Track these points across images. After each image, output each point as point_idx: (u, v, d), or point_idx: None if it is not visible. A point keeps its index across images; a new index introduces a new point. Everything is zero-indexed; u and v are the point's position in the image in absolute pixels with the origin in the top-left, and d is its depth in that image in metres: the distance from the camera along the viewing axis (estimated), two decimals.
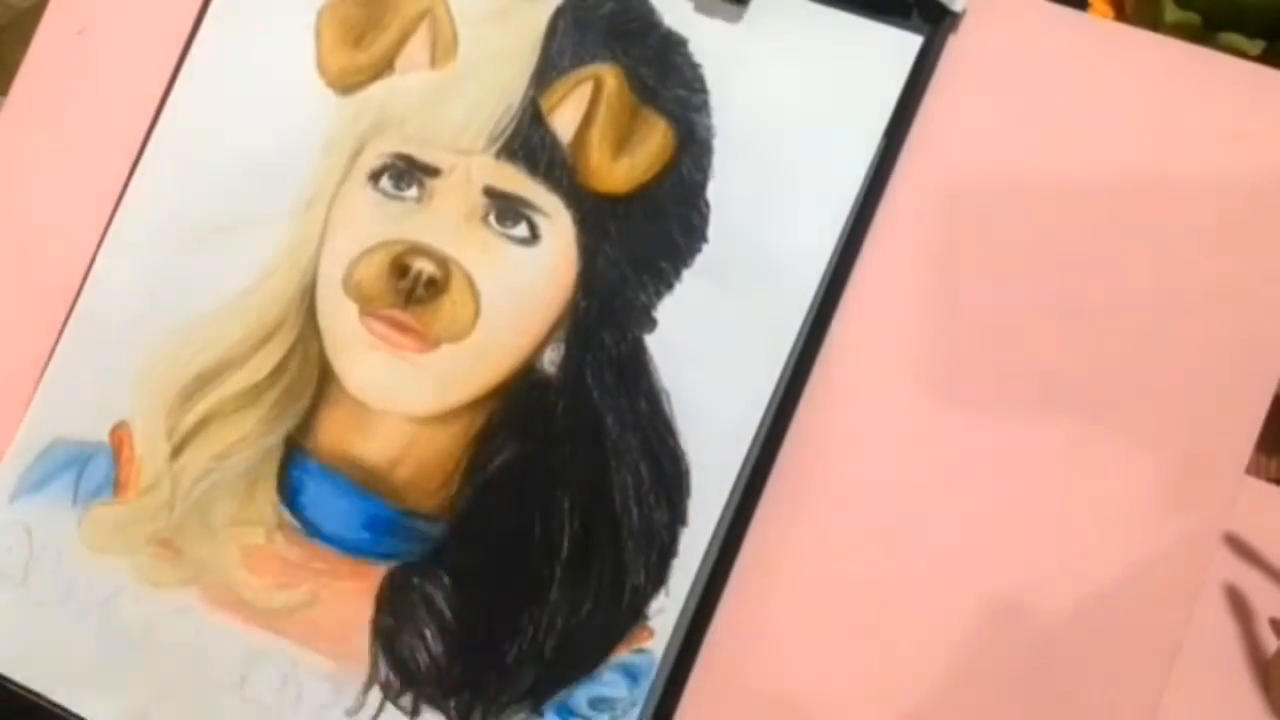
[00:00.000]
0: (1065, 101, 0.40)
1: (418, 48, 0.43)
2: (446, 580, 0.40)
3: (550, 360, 0.41)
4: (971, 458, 0.39)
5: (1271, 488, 0.50)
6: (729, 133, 0.41)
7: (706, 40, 0.41)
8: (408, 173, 0.42)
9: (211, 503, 0.42)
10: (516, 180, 0.41)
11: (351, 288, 0.42)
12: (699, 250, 0.40)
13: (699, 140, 0.41)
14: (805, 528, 0.39)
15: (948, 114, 0.40)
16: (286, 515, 0.41)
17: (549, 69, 0.42)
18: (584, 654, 0.39)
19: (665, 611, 0.39)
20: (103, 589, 0.42)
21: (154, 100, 0.45)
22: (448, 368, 0.41)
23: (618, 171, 0.41)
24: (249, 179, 0.44)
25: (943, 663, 0.38)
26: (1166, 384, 0.38)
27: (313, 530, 0.41)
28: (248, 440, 0.42)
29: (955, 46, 0.40)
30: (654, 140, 0.41)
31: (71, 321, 0.44)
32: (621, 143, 0.41)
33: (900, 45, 0.40)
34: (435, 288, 0.41)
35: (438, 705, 0.40)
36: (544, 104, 0.42)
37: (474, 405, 0.41)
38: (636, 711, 0.38)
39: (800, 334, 0.39)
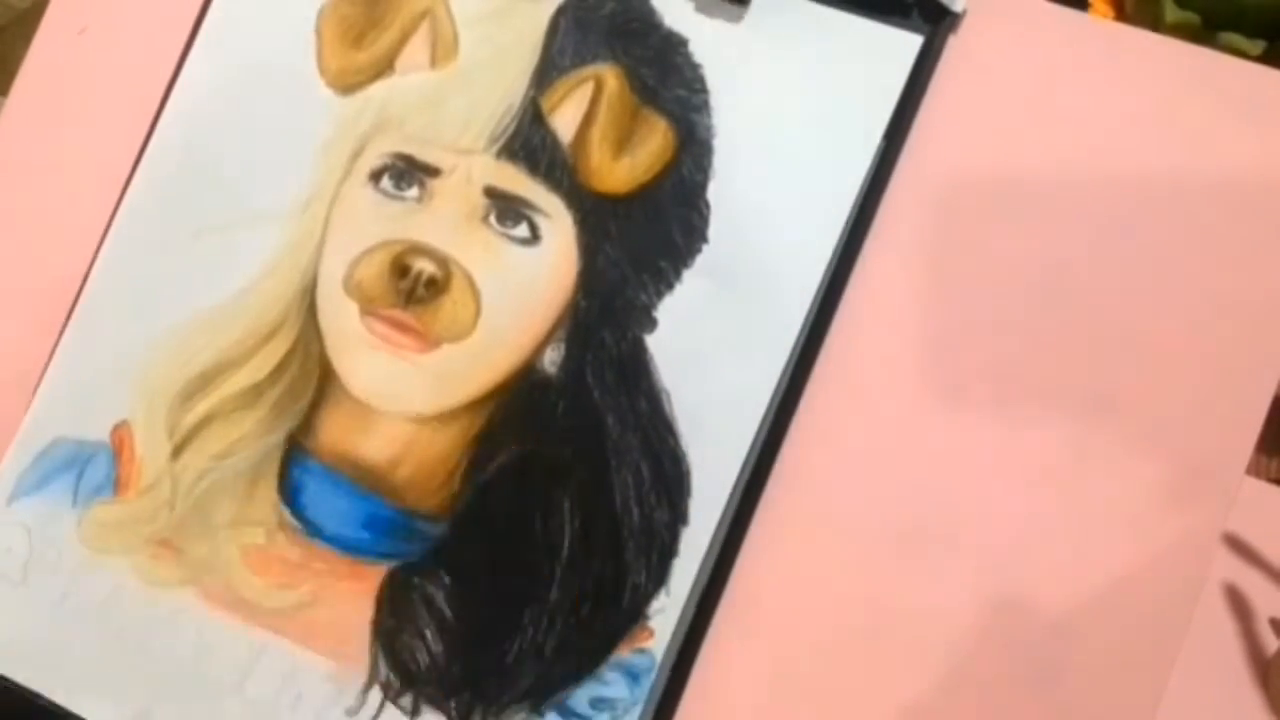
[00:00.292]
0: (1065, 101, 0.40)
1: (418, 47, 0.43)
2: (447, 580, 0.40)
3: (551, 360, 0.41)
4: (972, 457, 0.39)
5: (1272, 488, 0.50)
6: (730, 133, 0.41)
7: (707, 40, 0.41)
8: (408, 172, 0.42)
9: (212, 502, 0.42)
10: (517, 180, 0.41)
11: (352, 287, 0.42)
12: (699, 250, 0.40)
13: (699, 140, 0.41)
14: (806, 527, 0.39)
15: (948, 114, 0.40)
16: (287, 515, 0.41)
17: (550, 69, 0.42)
18: (584, 654, 0.39)
19: (666, 611, 0.39)
20: (103, 588, 0.42)
21: (155, 100, 0.45)
22: (448, 368, 0.41)
23: (618, 171, 0.41)
24: (249, 178, 0.44)
25: (943, 662, 0.38)
26: (1167, 384, 0.38)
27: (313, 530, 0.41)
28: (248, 440, 0.42)
29: (955, 47, 0.40)
30: (654, 140, 0.41)
31: (72, 321, 0.44)
32: (622, 143, 0.41)
33: (900, 45, 0.40)
34: (436, 288, 0.41)
35: (438, 705, 0.40)
36: (545, 104, 0.42)
37: (474, 405, 0.41)
38: (637, 711, 0.38)
39: (800, 334, 0.39)
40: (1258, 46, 0.50)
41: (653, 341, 0.40)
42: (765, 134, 0.41)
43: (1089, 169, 0.39)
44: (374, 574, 0.40)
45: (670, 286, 0.40)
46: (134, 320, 0.43)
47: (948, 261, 0.40)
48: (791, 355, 0.39)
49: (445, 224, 0.42)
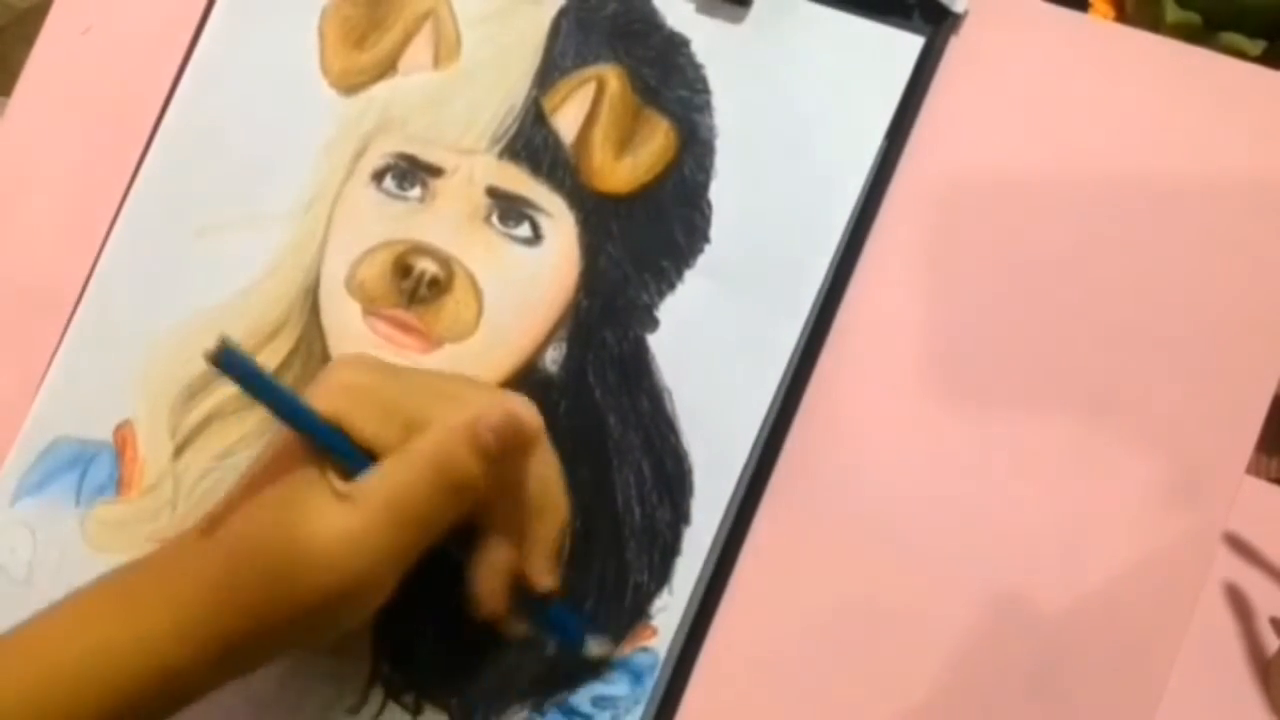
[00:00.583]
0: (1066, 102, 0.40)
1: (421, 48, 0.43)
2: (449, 577, 0.40)
3: (552, 359, 0.41)
4: (973, 456, 0.39)
5: (1272, 487, 0.50)
6: (731, 133, 0.41)
7: (709, 41, 0.42)
8: (410, 172, 0.42)
9: (214, 500, 0.42)
10: (519, 180, 0.42)
11: (354, 287, 0.42)
12: (701, 250, 0.41)
13: (701, 140, 0.41)
14: (807, 526, 0.39)
15: (949, 115, 0.40)
16: None
17: (552, 69, 0.42)
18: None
19: (668, 610, 0.39)
20: None
21: (158, 99, 0.45)
22: (450, 367, 0.41)
23: (620, 172, 0.41)
24: (252, 178, 0.44)
25: (944, 661, 0.38)
26: (1167, 383, 0.38)
27: None
28: (250, 439, 0.42)
29: (957, 47, 0.41)
30: (656, 140, 0.41)
31: (75, 321, 0.44)
32: (624, 143, 0.41)
33: (902, 46, 0.40)
34: (438, 287, 0.41)
35: (440, 703, 0.40)
36: (547, 104, 0.42)
37: None
38: (639, 710, 0.38)
39: (802, 333, 0.40)
40: (1258, 46, 0.50)
41: (654, 341, 0.40)
42: (767, 134, 0.41)
43: (1089, 169, 0.39)
44: None
45: (672, 286, 0.41)
46: (137, 320, 0.44)
47: (949, 261, 0.40)
48: (793, 354, 0.39)
49: (447, 224, 0.42)
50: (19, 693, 0.32)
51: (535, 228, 0.41)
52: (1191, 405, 0.38)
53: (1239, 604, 0.48)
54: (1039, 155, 0.40)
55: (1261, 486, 0.50)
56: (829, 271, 0.40)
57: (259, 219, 0.43)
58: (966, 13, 0.40)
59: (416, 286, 0.41)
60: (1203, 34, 0.51)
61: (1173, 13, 0.51)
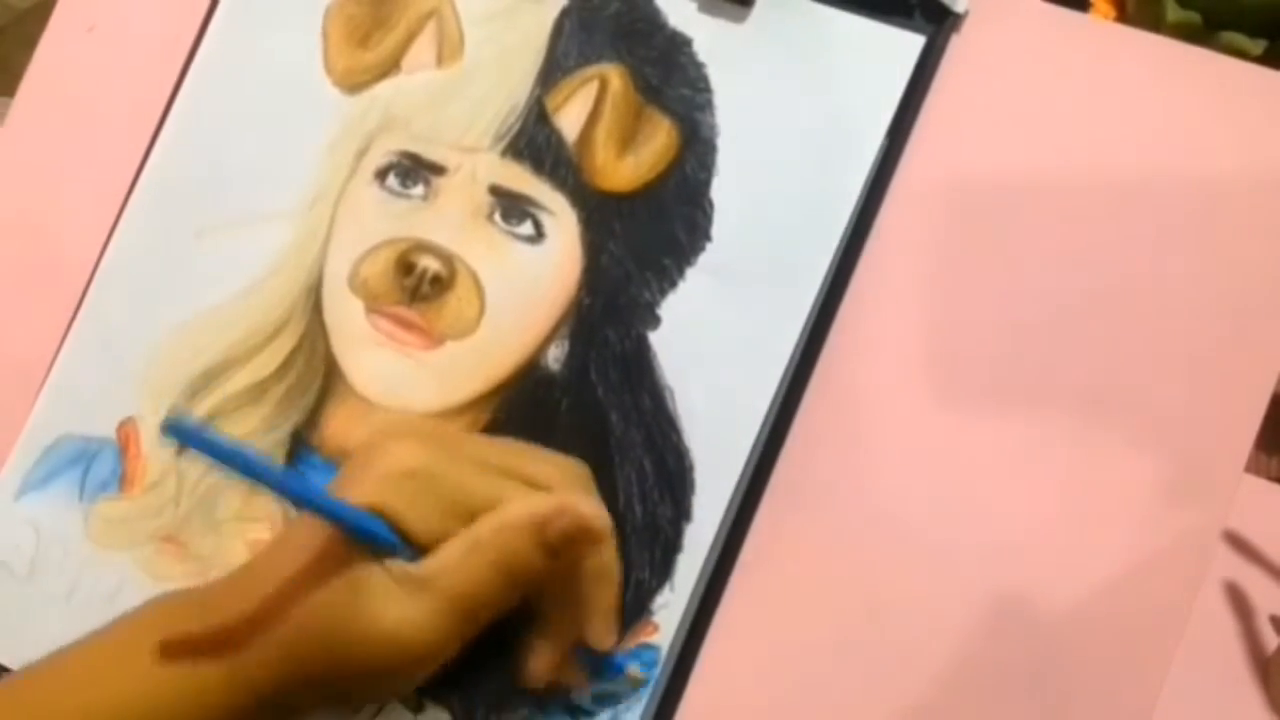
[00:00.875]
0: (1067, 102, 0.40)
1: (424, 47, 0.43)
2: None
3: (554, 357, 0.41)
4: (972, 454, 0.39)
5: (1272, 486, 0.50)
6: (733, 132, 0.41)
7: (711, 40, 0.42)
8: (413, 171, 0.42)
9: (216, 498, 0.42)
10: (522, 179, 0.42)
11: (357, 285, 0.42)
12: (703, 248, 0.41)
13: (703, 139, 0.41)
14: (808, 523, 0.39)
15: (950, 114, 0.40)
16: (291, 510, 0.41)
17: (554, 68, 0.42)
18: (589, 649, 0.39)
19: (669, 606, 0.39)
20: (108, 584, 0.42)
21: (162, 98, 0.45)
22: (452, 365, 0.41)
23: (623, 170, 0.41)
24: (255, 177, 0.44)
25: (944, 658, 0.38)
26: (1166, 382, 0.38)
27: None
28: (253, 436, 0.42)
29: (957, 47, 0.41)
30: (658, 139, 0.41)
31: (79, 318, 0.44)
32: (626, 142, 0.41)
33: (903, 45, 0.40)
34: (440, 285, 0.41)
35: (441, 700, 0.40)
36: (549, 103, 0.42)
37: (478, 402, 0.41)
38: (640, 706, 0.39)
39: (803, 331, 0.40)
40: (1259, 46, 0.50)
41: (656, 339, 0.40)
42: (768, 133, 0.41)
43: (1090, 168, 0.39)
44: None
45: (674, 284, 0.41)
46: (140, 317, 0.44)
47: (949, 259, 0.40)
48: (794, 352, 0.40)
49: (450, 222, 0.42)
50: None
51: (538, 226, 0.41)
52: (1191, 403, 0.38)
53: (1239, 602, 0.48)
54: (1039, 154, 0.40)
55: (1261, 485, 0.50)
56: (830, 269, 0.40)
57: (262, 217, 0.43)
58: (967, 12, 0.40)
59: (419, 284, 0.41)
60: (1203, 34, 0.51)
61: (1173, 12, 0.51)
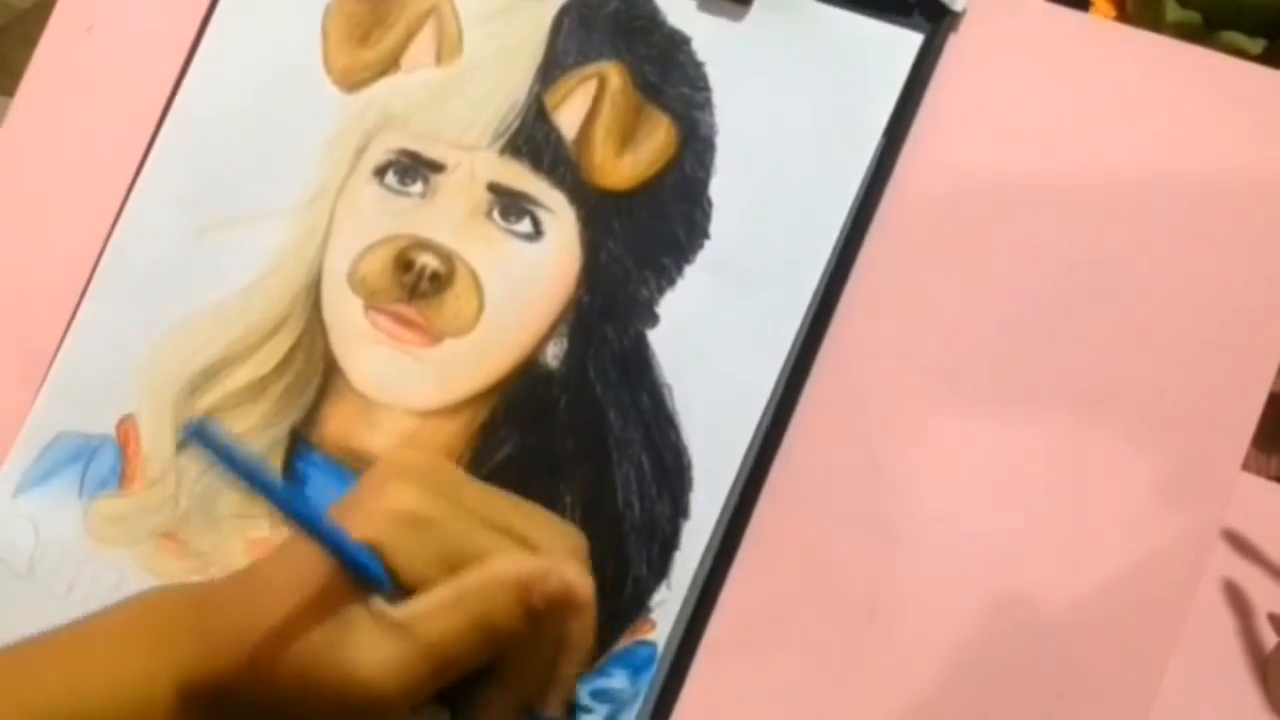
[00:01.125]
0: (1066, 101, 0.40)
1: (423, 45, 0.43)
2: None
3: (553, 354, 0.41)
4: (971, 454, 0.39)
5: (1271, 485, 0.50)
6: (731, 130, 0.41)
7: (710, 39, 0.42)
8: (412, 168, 0.42)
9: (216, 495, 0.42)
10: (521, 176, 0.42)
11: (356, 282, 0.42)
12: (701, 246, 0.41)
13: (702, 138, 0.41)
14: (806, 521, 0.39)
15: (948, 113, 0.40)
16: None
17: (553, 66, 0.42)
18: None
19: (667, 604, 0.39)
20: (108, 581, 0.42)
21: (162, 97, 0.45)
22: (451, 362, 0.41)
23: (621, 168, 0.41)
24: (255, 174, 0.44)
25: (942, 656, 0.38)
26: (1164, 381, 0.38)
27: None
28: (252, 433, 0.42)
29: (956, 45, 0.41)
30: (657, 137, 0.41)
31: (79, 316, 0.44)
32: (625, 140, 0.42)
33: (901, 44, 0.40)
34: (439, 282, 0.41)
35: (440, 699, 0.40)
36: (548, 101, 0.42)
37: (477, 399, 0.41)
38: (638, 703, 0.39)
39: (801, 329, 0.40)
40: (1258, 45, 0.50)
41: (655, 337, 0.40)
42: (767, 131, 0.41)
43: (1088, 168, 0.40)
44: None
45: (672, 282, 0.41)
46: (140, 315, 0.44)
47: (947, 258, 0.40)
48: (792, 351, 0.40)
49: (449, 219, 0.42)
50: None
51: (536, 223, 0.42)
52: (1188, 402, 0.38)
53: (1237, 601, 0.48)
54: (1038, 153, 0.40)
55: (1260, 484, 0.50)
56: (828, 267, 0.40)
57: (262, 215, 0.44)
58: (966, 10, 0.41)
59: (418, 281, 0.42)
60: (1203, 33, 0.51)
61: (1173, 12, 0.51)
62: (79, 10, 0.47)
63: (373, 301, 0.42)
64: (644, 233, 0.41)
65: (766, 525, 0.39)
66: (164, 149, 0.45)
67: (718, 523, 0.39)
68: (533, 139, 0.42)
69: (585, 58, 0.42)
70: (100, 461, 0.43)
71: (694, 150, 0.41)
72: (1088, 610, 0.38)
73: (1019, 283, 0.39)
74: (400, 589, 0.33)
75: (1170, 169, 0.39)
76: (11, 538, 0.43)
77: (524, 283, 0.41)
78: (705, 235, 0.41)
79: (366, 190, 0.43)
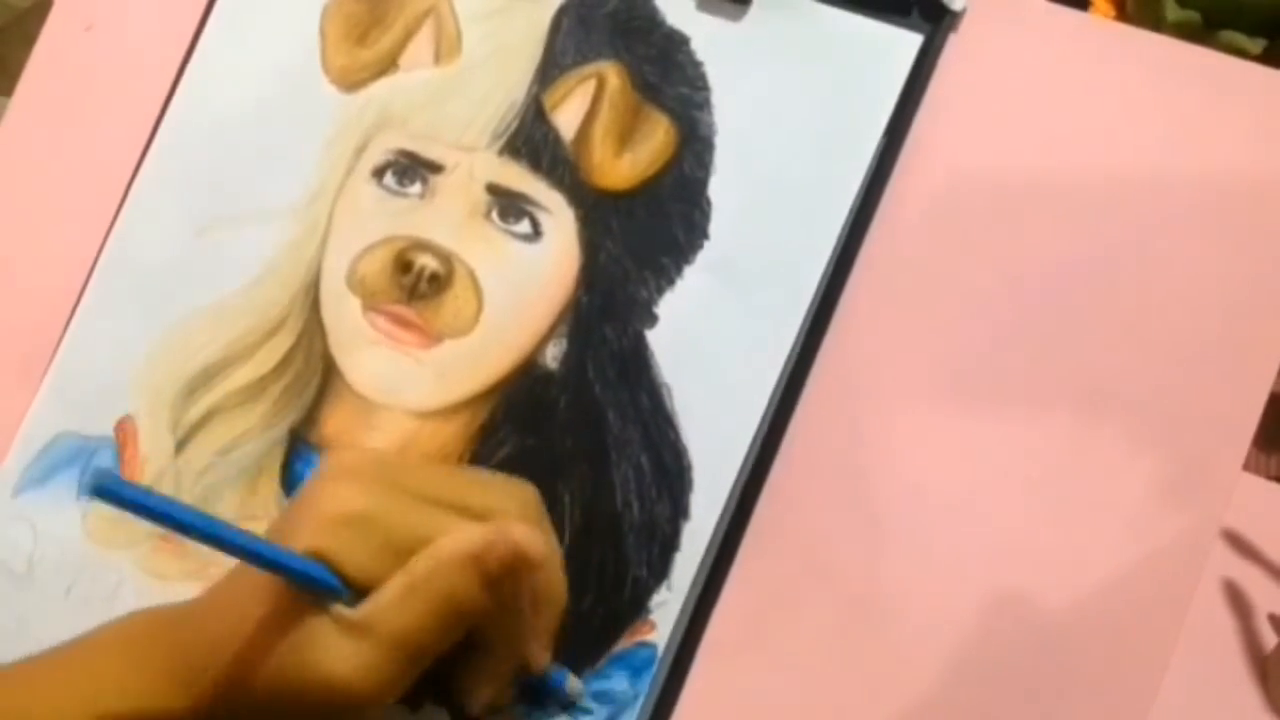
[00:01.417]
0: (1065, 100, 0.40)
1: (422, 45, 0.43)
2: None
3: (552, 355, 0.41)
4: (970, 454, 0.39)
5: (1271, 485, 0.50)
6: (730, 130, 0.41)
7: (709, 39, 0.42)
8: (411, 169, 0.42)
9: (215, 496, 0.42)
10: (519, 177, 0.42)
11: (355, 283, 0.42)
12: (700, 246, 0.41)
13: (701, 138, 0.41)
14: (806, 521, 0.39)
15: (948, 112, 0.40)
16: None
17: (552, 66, 0.42)
18: (585, 647, 0.39)
19: (667, 604, 0.39)
20: (106, 582, 0.42)
21: (160, 97, 0.45)
22: (450, 363, 0.41)
23: (620, 168, 0.41)
24: (253, 175, 0.44)
25: (941, 657, 0.38)
26: (1164, 381, 0.38)
27: None
28: (251, 434, 0.42)
29: (955, 45, 0.41)
30: (656, 137, 0.41)
31: (77, 316, 0.44)
32: (624, 140, 0.41)
33: (900, 44, 0.40)
34: (438, 283, 0.41)
35: (439, 699, 0.40)
36: (547, 101, 0.42)
37: (476, 400, 0.41)
38: (638, 704, 0.39)
39: (801, 330, 0.40)
40: (1258, 45, 0.50)
41: (654, 337, 0.40)
42: (766, 131, 0.41)
43: (1088, 167, 0.39)
44: None
45: (671, 282, 0.41)
46: (138, 316, 0.44)
47: (946, 258, 0.40)
48: (792, 351, 0.40)
49: (448, 220, 0.42)
50: None
51: (535, 224, 0.42)
52: (1189, 402, 0.38)
53: (1237, 601, 0.48)
54: (1037, 153, 0.40)
55: (1260, 484, 0.50)
56: (827, 267, 0.40)
57: (260, 216, 0.43)
58: (965, 10, 0.41)
59: (417, 282, 0.41)
60: (1203, 32, 0.51)
61: (1173, 11, 0.51)
62: (77, 9, 0.47)
63: (371, 302, 0.42)
64: (643, 233, 0.41)
65: (766, 526, 0.39)
66: (162, 149, 0.45)
67: (718, 523, 0.39)
68: (531, 139, 0.42)
69: (584, 58, 0.42)
70: (99, 463, 0.43)
71: (693, 150, 0.41)
72: (1088, 610, 0.38)
73: (1019, 282, 0.39)
74: (357, 590, 0.33)
75: (1170, 169, 0.39)
76: (10, 539, 0.43)
77: (523, 283, 0.41)
78: (704, 235, 0.41)
79: (365, 191, 0.43)
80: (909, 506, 0.39)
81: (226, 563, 0.40)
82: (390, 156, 0.43)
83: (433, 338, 0.41)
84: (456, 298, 0.41)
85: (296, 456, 0.42)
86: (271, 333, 0.43)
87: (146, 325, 0.44)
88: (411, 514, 0.33)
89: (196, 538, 0.32)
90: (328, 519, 0.33)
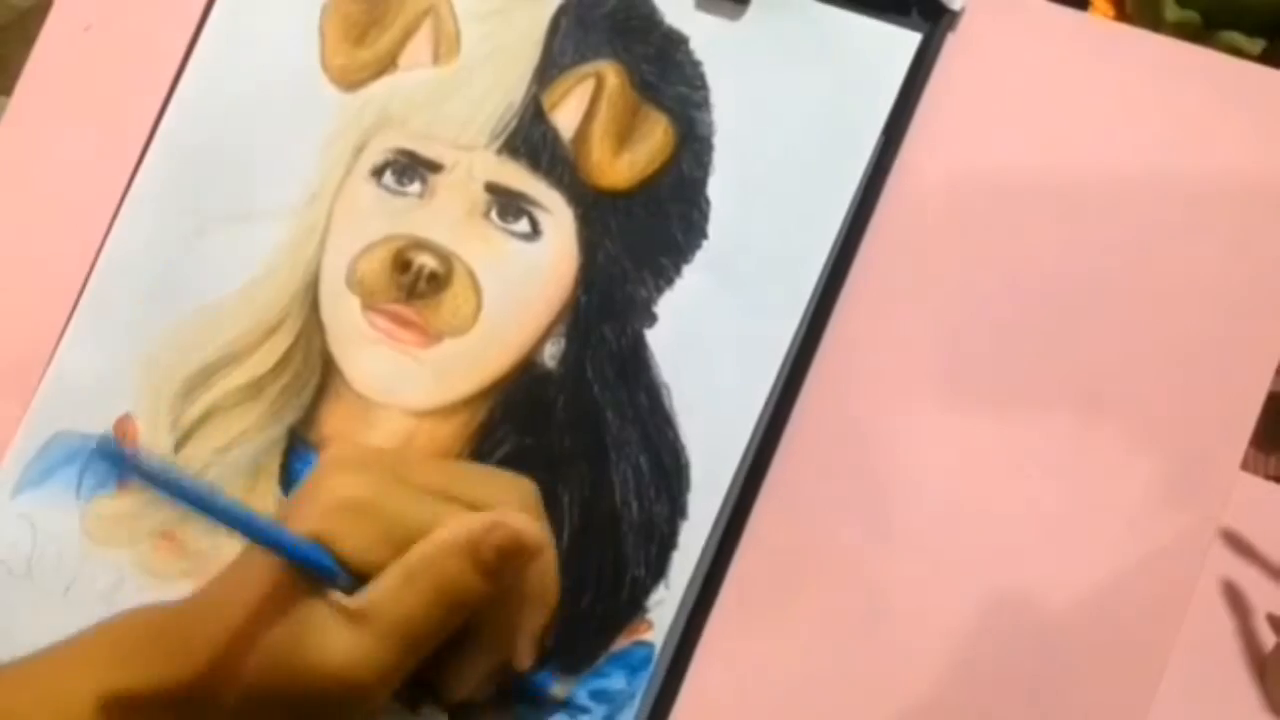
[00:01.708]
0: (1065, 100, 0.40)
1: (421, 45, 0.43)
2: None
3: (551, 354, 0.41)
4: (969, 454, 0.39)
5: (1270, 485, 0.50)
6: (729, 130, 0.41)
7: (707, 38, 0.42)
8: (410, 168, 0.42)
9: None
10: (518, 176, 0.42)
11: (354, 282, 0.42)
12: (699, 246, 0.41)
13: (699, 137, 0.41)
14: (804, 521, 0.39)
15: (946, 112, 0.40)
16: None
17: (551, 66, 0.42)
18: (583, 646, 0.39)
19: (664, 604, 0.39)
20: (106, 581, 0.42)
21: (159, 97, 0.45)
22: (449, 362, 0.41)
23: (619, 168, 0.41)
24: (252, 175, 0.44)
25: (940, 657, 0.38)
26: (1162, 380, 0.38)
27: None
28: (250, 433, 0.42)
29: (954, 44, 0.41)
30: (655, 137, 0.41)
31: (76, 315, 0.44)
32: (623, 139, 0.41)
33: (899, 43, 0.40)
34: (437, 283, 0.41)
35: (438, 699, 0.40)
36: (546, 101, 0.42)
37: (475, 399, 0.41)
38: (635, 704, 0.39)
39: (800, 329, 0.40)
40: (1258, 45, 0.50)
41: (652, 336, 0.40)
42: (765, 131, 0.41)
43: (1087, 167, 0.39)
44: None
45: (670, 282, 0.41)
46: (137, 315, 0.44)
47: (945, 258, 0.40)
48: (790, 350, 0.40)
49: (447, 219, 0.42)
50: None
51: (534, 223, 0.42)
52: (1187, 402, 0.38)
53: (1236, 601, 0.48)
54: (1036, 153, 0.40)
55: (1259, 484, 0.50)
56: (826, 266, 0.40)
57: (259, 215, 0.43)
58: (964, 9, 0.41)
59: (416, 281, 0.42)
60: (1203, 33, 0.51)
61: (1173, 11, 0.51)
62: (77, 9, 0.47)
63: (370, 301, 0.42)
64: (642, 232, 0.41)
65: (765, 525, 0.39)
66: (161, 149, 0.45)
67: (716, 522, 0.39)
68: (530, 139, 0.42)
69: (582, 57, 0.42)
70: (98, 461, 0.43)
71: (692, 150, 0.41)
72: (1086, 610, 0.38)
73: (1018, 282, 0.39)
74: (355, 577, 0.33)
75: (1169, 168, 0.39)
76: (9, 538, 0.43)
77: (522, 283, 0.41)
78: (703, 235, 0.41)
79: (364, 190, 0.43)
80: (907, 506, 0.39)
81: (224, 563, 0.40)
82: (389, 156, 0.43)
83: (432, 337, 0.41)
84: (455, 297, 0.41)
85: (295, 456, 0.42)
86: (270, 332, 0.43)
87: (145, 324, 0.44)
88: (411, 504, 0.34)
89: (198, 509, 0.32)
90: (329, 505, 0.33)
